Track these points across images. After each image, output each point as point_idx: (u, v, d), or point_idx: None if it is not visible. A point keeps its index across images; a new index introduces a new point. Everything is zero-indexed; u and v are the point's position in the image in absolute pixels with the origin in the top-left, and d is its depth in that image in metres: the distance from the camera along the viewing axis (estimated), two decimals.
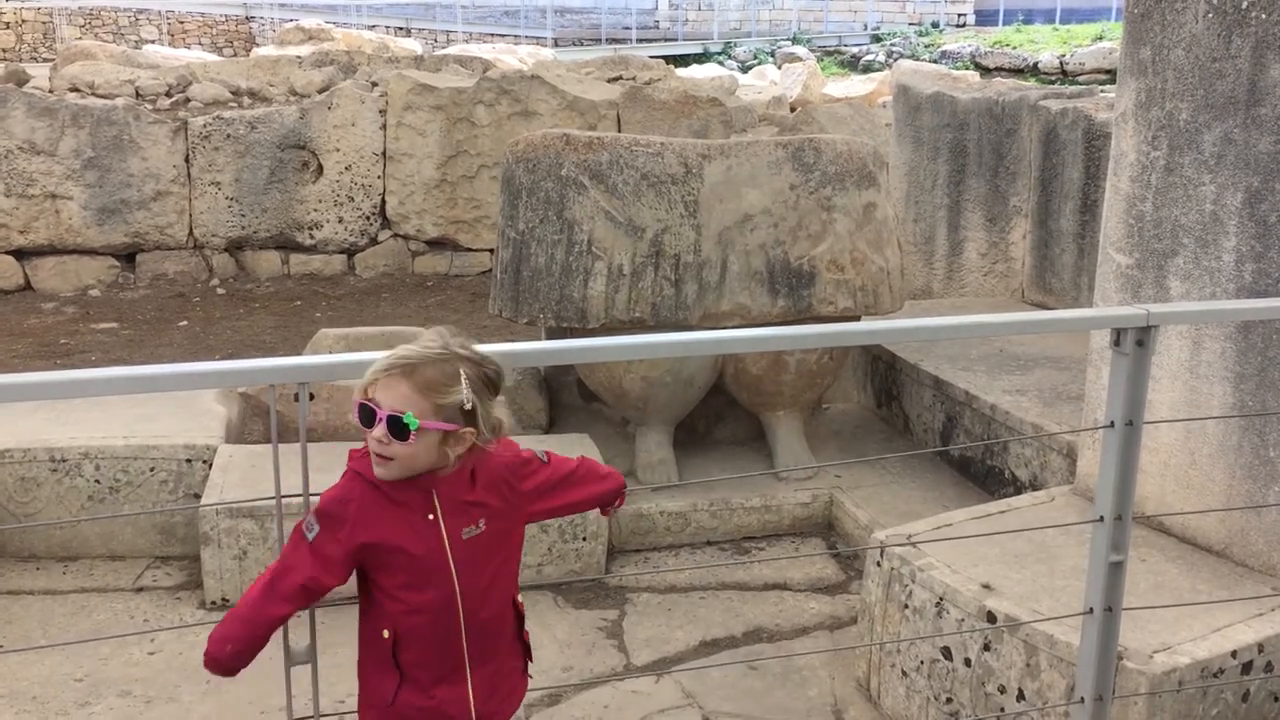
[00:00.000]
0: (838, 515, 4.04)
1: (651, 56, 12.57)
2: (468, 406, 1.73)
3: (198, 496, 3.82)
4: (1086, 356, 4.42)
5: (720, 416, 4.51)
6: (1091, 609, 1.97)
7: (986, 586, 2.78)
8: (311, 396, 1.70)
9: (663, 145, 3.96)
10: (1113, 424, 1.90)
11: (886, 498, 4.02)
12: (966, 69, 18.92)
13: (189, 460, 3.86)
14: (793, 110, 11.77)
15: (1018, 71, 18.83)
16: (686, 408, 4.23)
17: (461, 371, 1.73)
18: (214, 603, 3.55)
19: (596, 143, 3.93)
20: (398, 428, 1.72)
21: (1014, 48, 20.08)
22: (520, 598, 2.00)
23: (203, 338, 6.55)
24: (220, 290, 7.51)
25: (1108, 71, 18.21)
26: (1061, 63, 18.65)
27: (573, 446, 3.99)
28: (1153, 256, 3.03)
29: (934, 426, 4.36)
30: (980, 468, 4.07)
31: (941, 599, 2.83)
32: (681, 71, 13.27)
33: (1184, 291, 2.94)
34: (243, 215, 7.65)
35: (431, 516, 1.81)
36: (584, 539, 3.74)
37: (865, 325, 1.90)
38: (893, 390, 4.67)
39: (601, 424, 4.53)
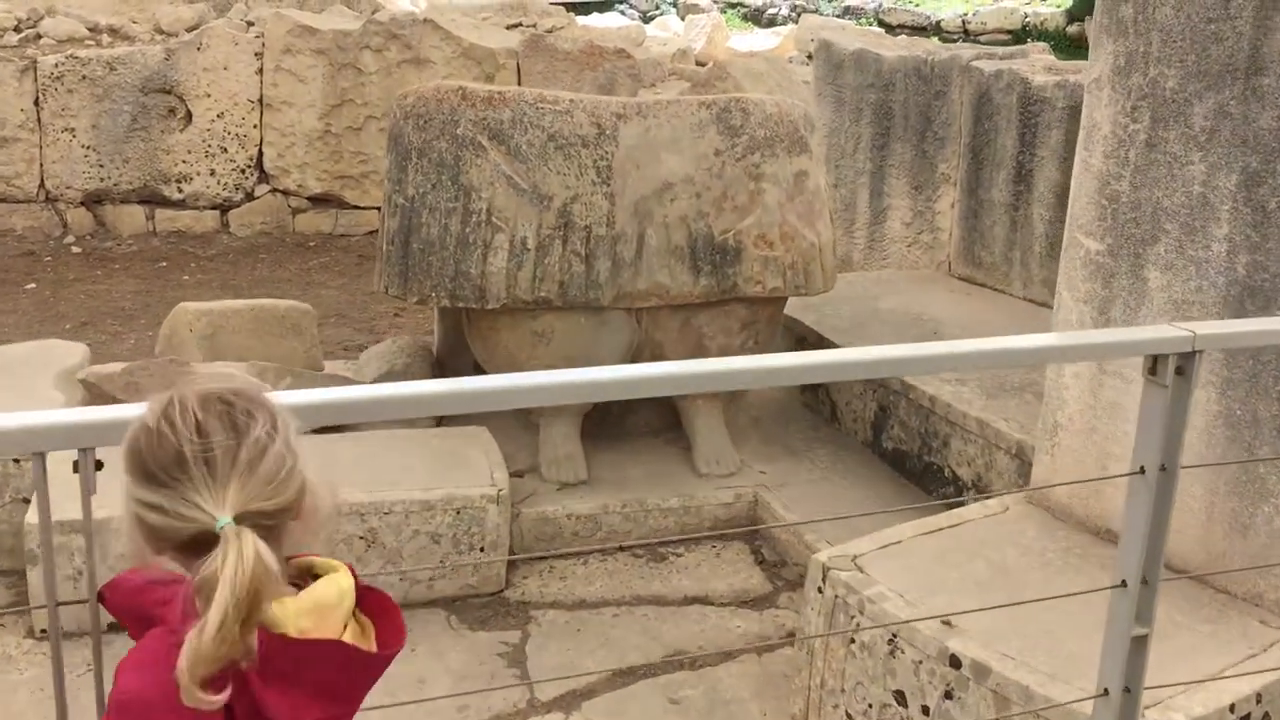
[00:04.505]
0: (763, 516, 3.68)
1: (551, 3, 11.98)
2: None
3: (27, 501, 3.28)
4: None
5: (632, 404, 4.10)
6: (1107, 690, 1.61)
7: (947, 623, 2.43)
8: (100, 465, 1.20)
9: (572, 103, 3.50)
10: (1143, 470, 1.53)
11: (816, 498, 3.66)
12: (869, 25, 18.68)
13: (17, 460, 3.30)
14: (699, 65, 11.32)
15: (920, 29, 18.61)
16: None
17: None
18: (43, 631, 3.03)
19: (497, 98, 3.45)
20: None
21: (917, 5, 19.89)
22: None
23: (52, 304, 5.88)
24: (76, 249, 6.79)
25: (1009, 31, 18.14)
26: (964, 22, 18.52)
27: (469, 440, 3.56)
28: (1128, 243, 2.69)
29: (864, 416, 4.01)
30: (916, 464, 3.74)
31: (895, 636, 2.47)
32: (582, 20, 12.70)
33: (1164, 283, 2.62)
34: (101, 166, 6.93)
35: None
36: (480, 549, 3.30)
37: (873, 354, 1.49)
38: None
39: (502, 412, 4.08)
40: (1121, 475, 1.57)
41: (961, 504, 3.28)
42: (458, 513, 3.26)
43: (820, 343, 4.26)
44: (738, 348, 3.76)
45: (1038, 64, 4.79)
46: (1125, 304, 2.70)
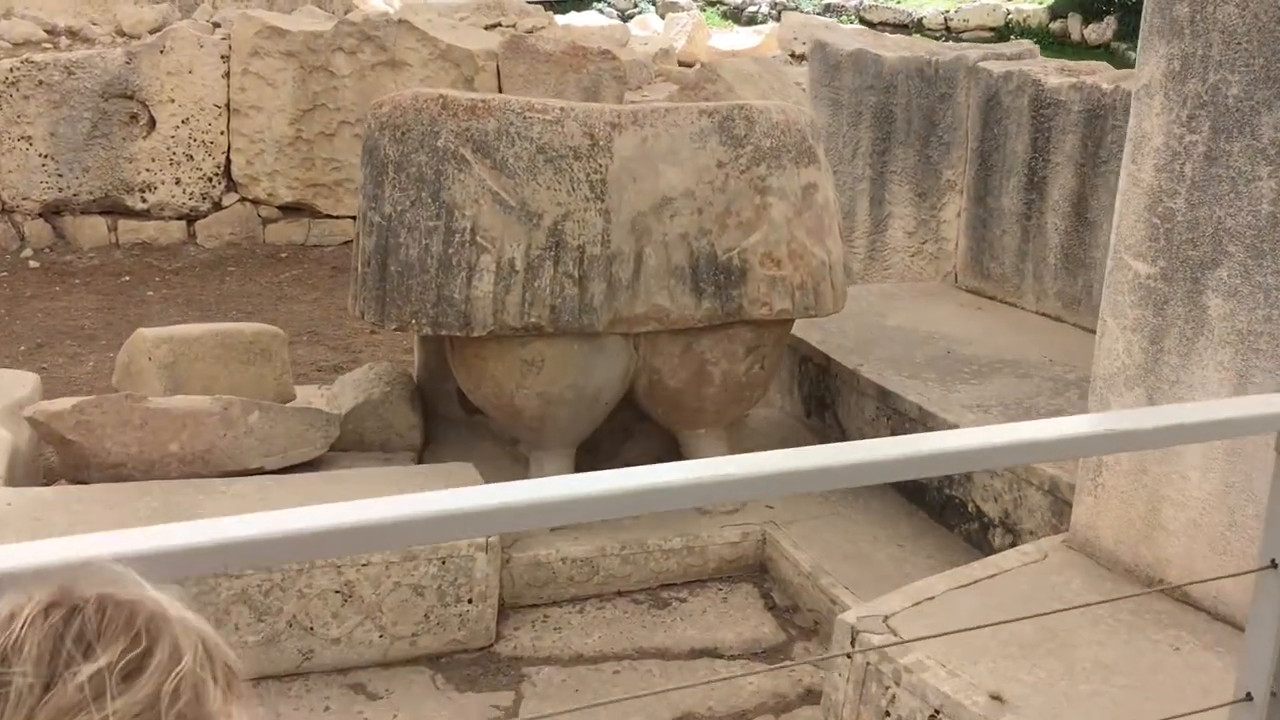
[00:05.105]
0: (772, 556, 3.41)
1: (529, 2, 11.69)
2: None
3: None
4: (1048, 363, 3.87)
5: (629, 433, 3.83)
6: None
7: (997, 698, 2.17)
8: None
9: (563, 111, 3.21)
10: (1275, 563, 1.27)
11: (829, 535, 3.39)
12: (851, 23, 18.46)
13: None
14: (682, 64, 11.06)
15: (902, 27, 18.42)
16: (591, 427, 3.53)
17: None
18: None
19: (481, 107, 3.17)
20: None
21: (899, 3, 19.69)
22: None
23: (6, 323, 5.56)
24: (33, 263, 6.46)
25: (991, 28, 17.97)
26: (946, 19, 18.34)
27: (454, 479, 3.27)
28: (1185, 266, 2.43)
29: None
30: (936, 497, 3.48)
31: (938, 712, 2.21)
32: (560, 19, 12.40)
33: (1228, 311, 2.36)
34: (60, 175, 6.60)
35: None
36: (469, 600, 3.02)
37: (986, 440, 1.21)
38: (826, 398, 4.04)
39: (487, 442, 3.80)
40: (1251, 571, 1.31)
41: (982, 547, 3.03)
42: (443, 562, 2.97)
43: (827, 362, 4.00)
44: (742, 373, 3.49)
45: (1050, 65, 4.54)
46: (1181, 334, 2.45)
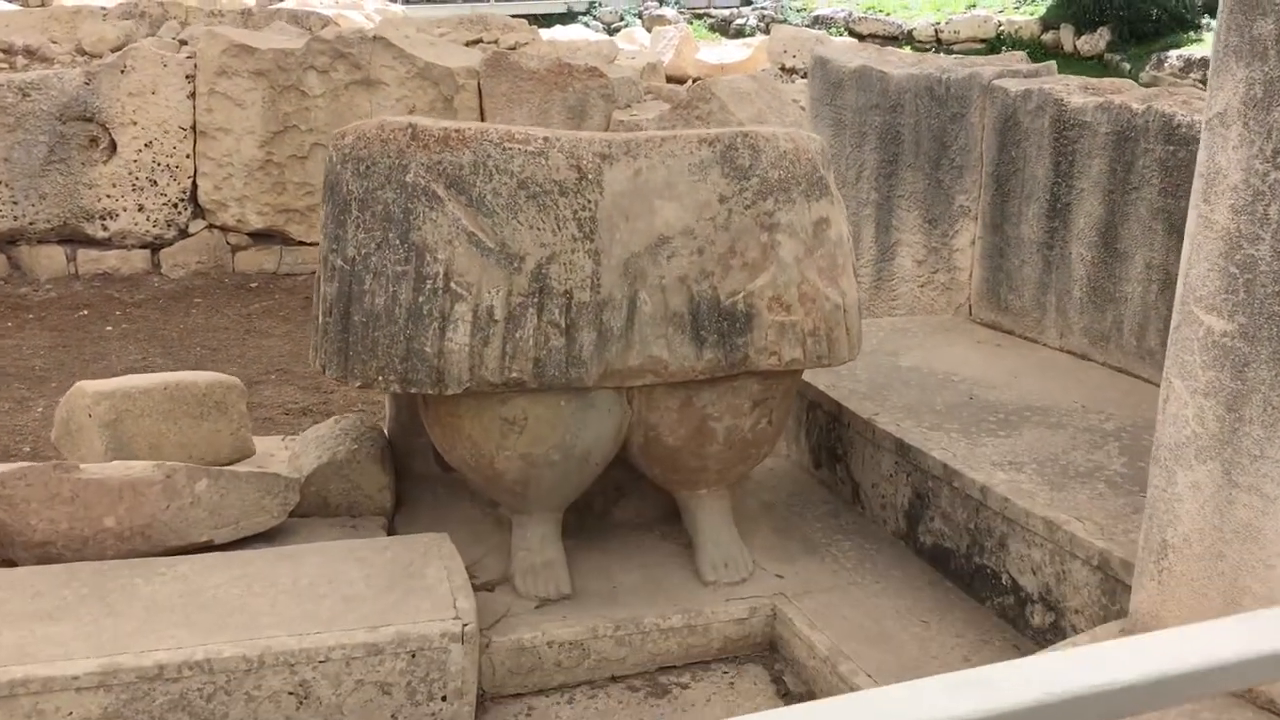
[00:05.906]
0: (784, 635, 3.05)
1: (513, 16, 11.36)
2: None
3: None
4: (1080, 410, 3.53)
5: (621, 491, 3.47)
6: None
7: None
8: None
9: (546, 142, 2.87)
10: None
11: (847, 610, 3.04)
12: (840, 35, 18.19)
13: None
14: (670, 79, 10.75)
15: (892, 39, 18.18)
16: (580, 489, 3.18)
17: None
18: None
19: (455, 137, 2.82)
20: None
21: (887, 14, 19.45)
22: None
23: None
24: None
25: (983, 40, 17.75)
26: (936, 30, 18.09)
27: (426, 552, 2.91)
28: (1271, 322, 2.10)
29: (896, 503, 3.40)
30: (964, 565, 3.13)
31: None
32: (545, 33, 12.08)
33: None
34: (15, 203, 6.23)
35: None
36: (443, 698, 2.66)
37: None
38: (837, 449, 3.70)
39: (465, 503, 3.44)
40: None
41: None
42: (413, 656, 2.62)
43: (839, 410, 3.66)
44: (748, 429, 3.14)
45: (1073, 83, 4.22)
46: (1266, 401, 2.11)
